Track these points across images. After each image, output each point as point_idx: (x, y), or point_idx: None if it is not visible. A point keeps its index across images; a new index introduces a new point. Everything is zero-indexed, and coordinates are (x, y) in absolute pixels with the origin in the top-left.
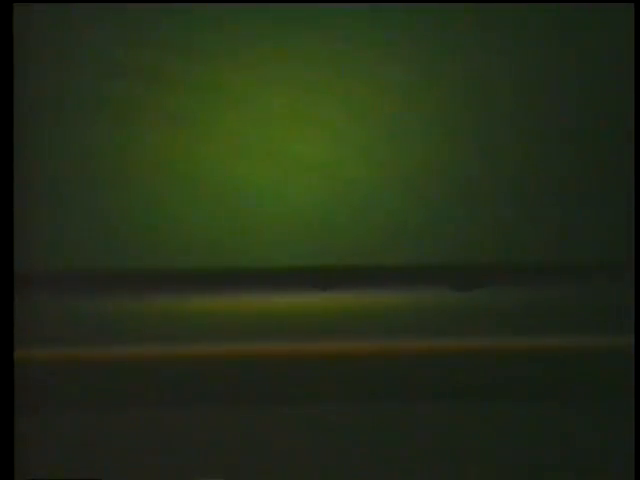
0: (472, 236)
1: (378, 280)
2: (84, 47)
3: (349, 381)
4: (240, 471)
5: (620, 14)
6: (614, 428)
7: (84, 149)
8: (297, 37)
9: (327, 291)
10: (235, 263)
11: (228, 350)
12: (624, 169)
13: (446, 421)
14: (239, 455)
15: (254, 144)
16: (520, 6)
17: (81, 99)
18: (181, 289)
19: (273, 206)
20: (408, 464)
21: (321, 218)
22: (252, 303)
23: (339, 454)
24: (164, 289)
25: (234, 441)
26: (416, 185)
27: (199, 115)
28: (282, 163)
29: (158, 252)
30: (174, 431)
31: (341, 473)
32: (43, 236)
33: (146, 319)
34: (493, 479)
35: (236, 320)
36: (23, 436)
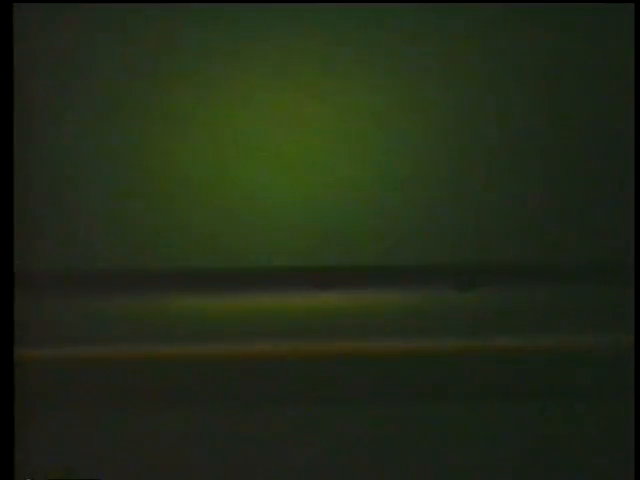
0: (472, 236)
1: (378, 280)
2: (84, 47)
3: (349, 381)
4: (240, 471)
5: (620, 14)
6: (614, 428)
7: (84, 149)
8: (298, 37)
9: (327, 291)
10: (235, 263)
11: (228, 350)
12: (624, 169)
13: (446, 421)
14: (239, 455)
15: (254, 144)
16: (520, 6)
17: (81, 99)
18: (181, 289)
19: (273, 206)
20: (408, 464)
21: (321, 218)
22: (252, 303)
23: (339, 454)
24: (164, 289)
25: (234, 441)
26: (416, 185)
27: (199, 115)
28: (282, 163)
29: (158, 252)
30: (174, 431)
31: (341, 473)
32: (44, 236)
33: (146, 319)
34: (493, 479)
35: (236, 320)
36: (23, 436)
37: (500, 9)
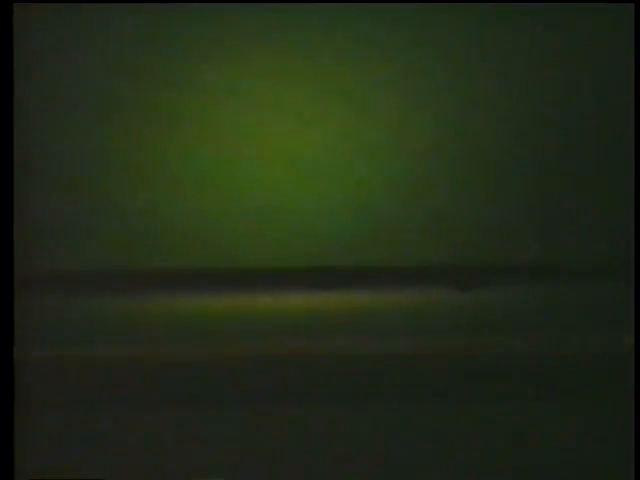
0: (472, 236)
1: (378, 280)
2: (84, 47)
3: (349, 381)
4: (240, 471)
5: (620, 14)
6: (614, 428)
7: (84, 149)
8: (299, 36)
9: (327, 291)
10: (235, 263)
11: (228, 350)
12: (624, 169)
13: (446, 421)
14: (239, 455)
15: (254, 144)
16: (520, 6)
17: (81, 99)
18: (181, 289)
19: (273, 206)
20: (407, 464)
21: (321, 218)
22: (252, 303)
23: (339, 454)
24: (164, 289)
25: (234, 441)
26: (416, 185)
27: (199, 115)
28: (282, 163)
29: (158, 252)
30: (174, 431)
31: (341, 473)
32: (43, 236)
33: (146, 319)
34: (493, 479)
35: (236, 320)
36: (23, 436)
37: (500, 9)
